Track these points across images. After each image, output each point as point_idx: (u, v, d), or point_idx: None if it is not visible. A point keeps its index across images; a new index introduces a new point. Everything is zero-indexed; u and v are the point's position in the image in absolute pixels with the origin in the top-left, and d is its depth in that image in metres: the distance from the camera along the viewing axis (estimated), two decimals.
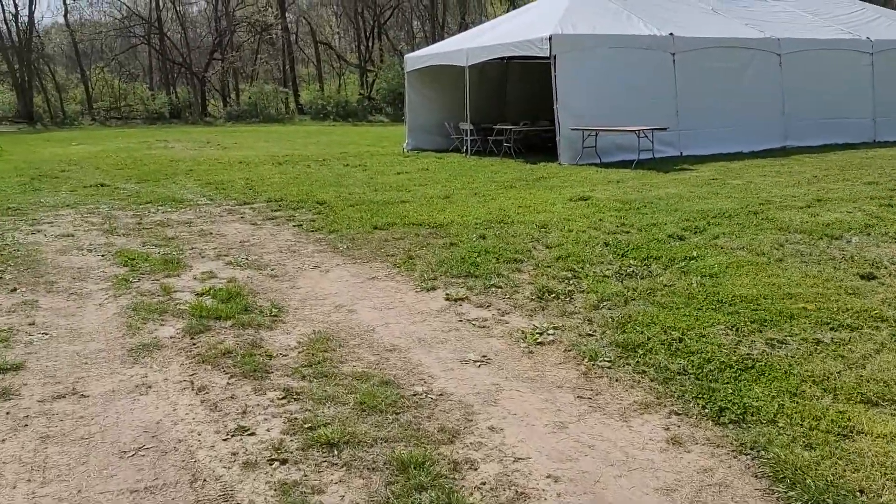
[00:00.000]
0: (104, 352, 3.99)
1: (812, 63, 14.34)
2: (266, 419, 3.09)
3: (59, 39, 43.87)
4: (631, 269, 5.25)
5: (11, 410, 3.24)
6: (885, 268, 4.94)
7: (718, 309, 4.21)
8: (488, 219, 7.44)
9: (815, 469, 2.50)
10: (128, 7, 42.41)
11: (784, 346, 3.63)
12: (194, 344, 4.05)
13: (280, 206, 8.98)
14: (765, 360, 3.43)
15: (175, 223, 7.95)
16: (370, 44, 45.40)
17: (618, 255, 5.70)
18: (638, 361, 3.56)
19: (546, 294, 4.76)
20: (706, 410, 3.01)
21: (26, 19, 36.62)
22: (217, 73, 42.86)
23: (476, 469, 2.64)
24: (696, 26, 14.00)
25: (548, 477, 2.58)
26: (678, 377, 3.33)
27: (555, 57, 12.27)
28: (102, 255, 6.40)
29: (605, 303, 4.52)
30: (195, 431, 3.00)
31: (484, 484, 2.53)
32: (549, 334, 4.05)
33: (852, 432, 2.75)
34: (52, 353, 3.95)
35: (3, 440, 2.97)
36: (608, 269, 5.29)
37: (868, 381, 3.19)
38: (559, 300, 4.66)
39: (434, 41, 39.05)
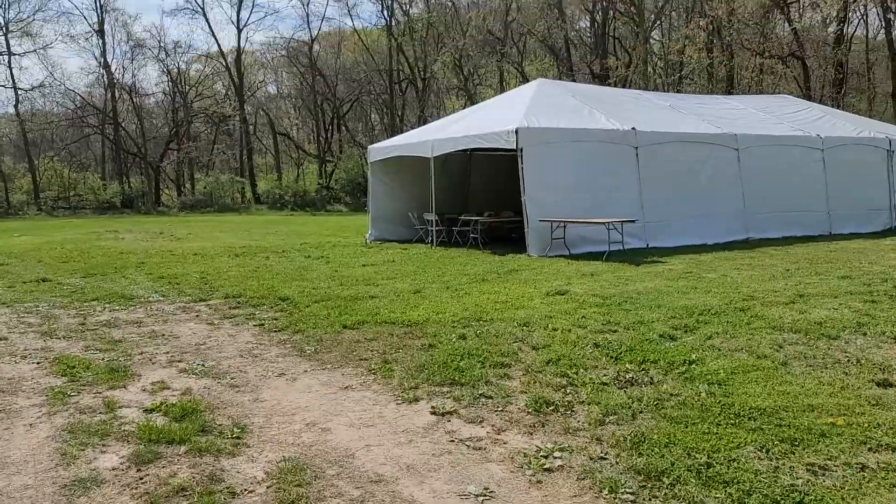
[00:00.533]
0: (31, 489, 3.34)
1: (768, 158, 14.70)
2: None
3: (8, 129, 43.09)
4: (629, 375, 4.83)
5: None
6: None
7: (738, 424, 3.79)
8: (465, 316, 7.01)
9: None
10: (82, 98, 42.19)
11: (828, 473, 3.21)
12: (141, 479, 3.42)
13: (239, 302, 8.40)
14: (814, 494, 2.99)
15: (123, 323, 7.29)
16: (329, 135, 45.87)
17: (611, 358, 5.30)
18: (666, 494, 3.09)
19: (543, 406, 4.29)
20: None
21: None
22: (172, 162, 42.49)
23: None
24: (656, 122, 14.27)
25: None
26: None
27: (521, 149, 12.24)
28: (38, 363, 5.71)
29: (610, 416, 4.06)
30: None
31: None
32: (555, 457, 3.56)
33: None
34: None
35: None
36: (605, 375, 4.87)
37: None
38: (559, 413, 4.19)
39: (393, 133, 39.62)
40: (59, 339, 6.60)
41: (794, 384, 4.45)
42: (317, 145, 45.71)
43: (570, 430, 3.92)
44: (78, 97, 42.04)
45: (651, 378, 4.76)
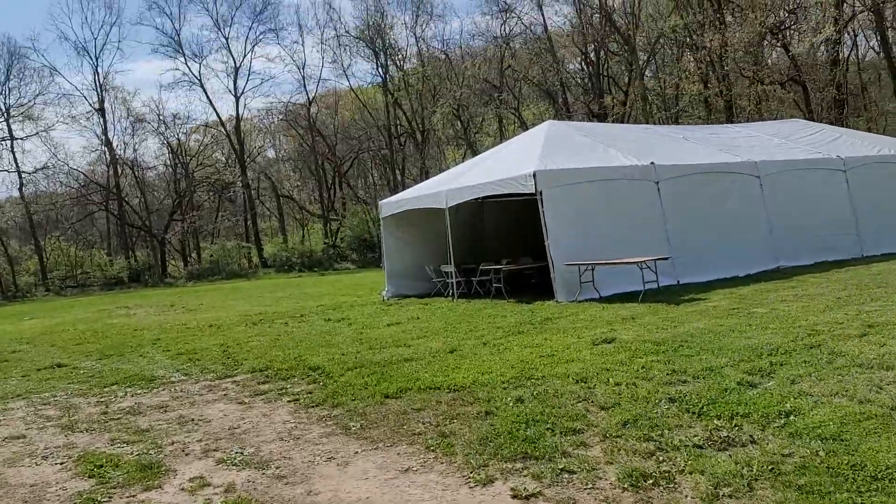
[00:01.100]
0: None
1: (791, 183, 14.32)
2: None
3: (13, 213, 43.12)
4: (723, 434, 4.32)
5: None
6: None
7: (883, 490, 3.27)
8: (514, 375, 6.50)
9: None
10: (85, 176, 42.33)
11: None
12: None
13: (267, 376, 7.90)
14: None
15: (147, 409, 6.79)
16: (332, 193, 45.87)
17: (693, 414, 4.79)
18: None
19: (639, 479, 3.78)
20: None
21: None
22: (177, 233, 42.38)
23: None
24: (674, 154, 13.96)
25: None
26: None
27: (541, 193, 11.88)
28: (62, 463, 5.21)
29: (723, 489, 3.54)
30: None
31: None
32: None
33: None
34: None
35: None
36: (695, 436, 4.35)
37: None
38: (660, 488, 3.67)
39: (395, 188, 39.56)
40: (82, 432, 6.10)
41: None
42: (320, 205, 45.66)
43: None
44: (81, 175, 42.17)
45: (750, 436, 4.24)
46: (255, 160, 47.66)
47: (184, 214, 42.11)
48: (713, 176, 13.67)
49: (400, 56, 44.14)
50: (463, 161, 34.00)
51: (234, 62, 43.36)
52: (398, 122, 44.51)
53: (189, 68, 49.89)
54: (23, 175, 39.61)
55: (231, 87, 43.56)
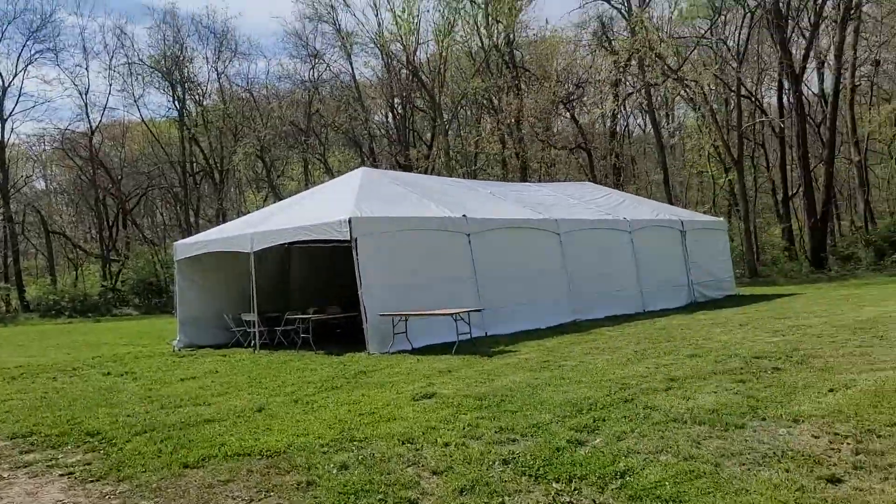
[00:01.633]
0: None
1: (586, 241, 15.33)
2: None
3: None
4: (565, 500, 4.14)
5: None
6: (835, 464, 4.42)
7: None
8: (333, 437, 5.94)
9: None
10: None
11: None
12: None
13: (32, 444, 6.56)
14: None
15: None
16: (114, 232, 41.88)
17: (530, 477, 4.59)
18: None
19: None
20: None
21: None
22: None
23: None
24: (483, 208, 14.35)
25: None
26: None
27: (356, 240, 11.51)
28: None
29: None
30: None
31: None
32: None
33: None
34: None
35: None
36: (537, 502, 4.13)
37: None
38: None
39: (189, 229, 37.05)
40: None
41: (752, 491, 4.03)
42: (99, 244, 41.43)
43: None
44: None
45: (592, 500, 4.11)
46: (21, 191, 42.32)
47: None
48: (519, 231, 14.23)
49: (199, 91, 42.04)
50: (265, 205, 32.77)
51: (3, 81, 38.57)
52: (194, 159, 42.05)
53: None
54: None
55: None
